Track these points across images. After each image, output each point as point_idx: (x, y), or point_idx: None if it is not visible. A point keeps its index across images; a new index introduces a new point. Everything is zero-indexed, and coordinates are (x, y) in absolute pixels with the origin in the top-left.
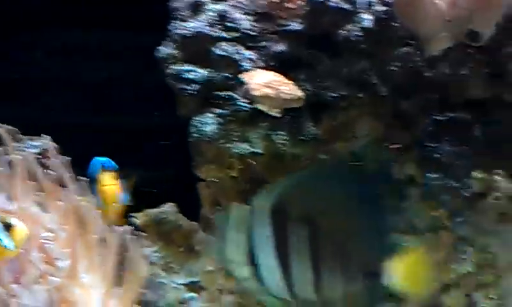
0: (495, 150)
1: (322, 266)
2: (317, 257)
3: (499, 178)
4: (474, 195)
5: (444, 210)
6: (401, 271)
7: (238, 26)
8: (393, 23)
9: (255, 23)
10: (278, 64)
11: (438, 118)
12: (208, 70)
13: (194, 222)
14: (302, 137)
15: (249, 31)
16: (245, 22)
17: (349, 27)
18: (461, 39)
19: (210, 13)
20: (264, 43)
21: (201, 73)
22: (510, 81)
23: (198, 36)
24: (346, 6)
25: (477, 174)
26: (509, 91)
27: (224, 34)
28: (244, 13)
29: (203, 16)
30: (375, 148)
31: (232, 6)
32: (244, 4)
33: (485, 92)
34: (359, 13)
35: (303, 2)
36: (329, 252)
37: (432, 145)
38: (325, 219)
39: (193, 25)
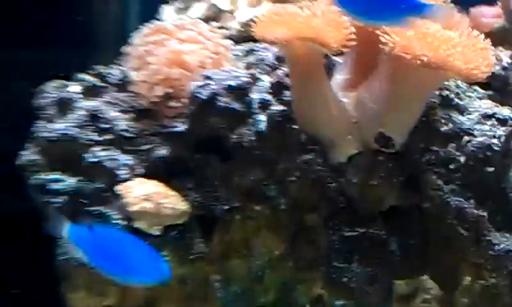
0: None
1: None
2: None
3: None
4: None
5: None
6: None
7: (113, 127)
8: (292, 127)
9: (133, 124)
10: (161, 171)
11: (346, 233)
12: (78, 179)
13: None
14: (190, 256)
15: (126, 133)
16: (121, 122)
17: (241, 130)
18: (371, 145)
19: (81, 112)
20: (143, 147)
21: (69, 183)
22: (426, 189)
23: (66, 139)
24: (237, 106)
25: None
26: (426, 199)
27: (96, 137)
28: (121, 111)
29: (72, 116)
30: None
31: (106, 102)
32: (120, 101)
33: (400, 201)
34: (253, 114)
35: (188, 100)
36: None
37: (341, 265)
38: None
39: (60, 126)
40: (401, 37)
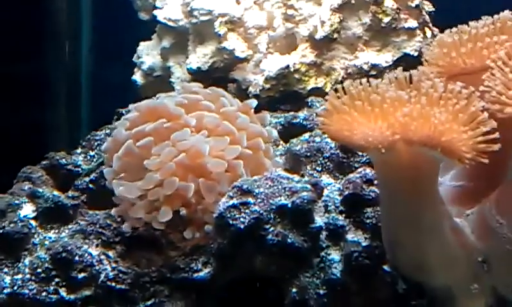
0: None
1: None
2: None
3: None
4: None
5: None
6: None
7: (93, 276)
8: (384, 270)
9: (123, 265)
10: None
11: None
12: None
13: None
14: None
15: (114, 284)
16: (106, 266)
17: (304, 279)
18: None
19: (40, 254)
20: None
21: None
22: None
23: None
24: (297, 239)
25: None
26: None
27: (66, 296)
28: (103, 245)
29: (26, 263)
30: None
31: (78, 232)
32: (100, 226)
33: None
34: (321, 250)
35: (213, 229)
36: None
37: None
38: None
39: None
40: None
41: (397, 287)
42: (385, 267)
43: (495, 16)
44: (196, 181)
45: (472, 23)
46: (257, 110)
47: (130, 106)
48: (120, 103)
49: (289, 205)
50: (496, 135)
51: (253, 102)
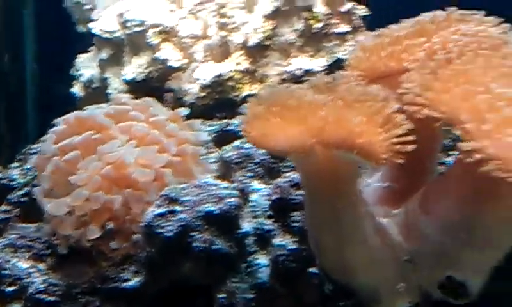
0: None
1: None
2: None
3: None
4: None
5: None
6: None
7: (22, 288)
8: (311, 272)
9: (54, 277)
10: None
11: None
12: None
13: None
14: None
15: (44, 296)
16: (36, 279)
17: (231, 283)
18: (434, 293)
19: None
20: None
21: None
22: None
23: None
24: (223, 245)
25: None
26: None
27: None
28: (34, 258)
29: None
30: None
31: (8, 245)
32: (29, 240)
33: None
34: (249, 255)
35: (142, 237)
36: None
37: None
38: None
39: None
40: (496, 142)
41: (324, 289)
42: (312, 269)
43: (414, 18)
44: (123, 193)
45: (392, 26)
46: (194, 118)
47: (57, 119)
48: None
49: (216, 212)
50: (413, 136)
51: (184, 111)
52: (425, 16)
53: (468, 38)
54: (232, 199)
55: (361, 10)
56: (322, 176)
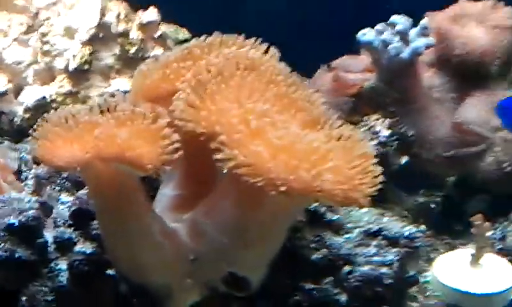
0: None
1: None
2: None
3: None
4: None
5: None
6: None
7: None
8: (107, 274)
9: None
10: None
11: None
12: None
13: None
14: None
15: None
16: None
17: (34, 287)
18: (220, 288)
19: None
20: None
21: None
22: None
23: None
24: (24, 253)
25: None
26: None
27: None
28: None
29: None
30: None
31: None
32: None
33: None
34: (50, 261)
35: None
36: None
37: None
38: None
39: None
40: (245, 151)
41: (120, 289)
42: (109, 271)
43: (184, 44)
44: None
45: (167, 52)
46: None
47: None
48: None
49: (16, 223)
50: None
51: None
52: (194, 43)
53: (227, 61)
54: (32, 211)
55: (184, 33)
56: (106, 188)
